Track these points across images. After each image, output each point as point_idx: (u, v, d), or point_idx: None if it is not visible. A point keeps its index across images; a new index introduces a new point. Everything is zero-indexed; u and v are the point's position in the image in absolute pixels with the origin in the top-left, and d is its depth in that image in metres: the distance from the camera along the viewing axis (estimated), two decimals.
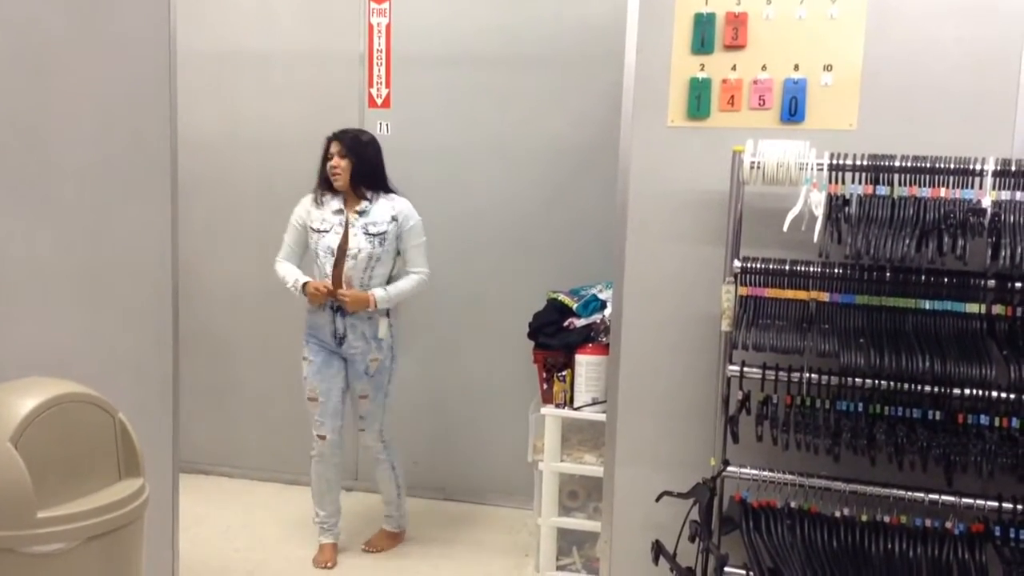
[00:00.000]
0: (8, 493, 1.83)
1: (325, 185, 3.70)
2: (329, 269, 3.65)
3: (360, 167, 3.67)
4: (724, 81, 2.85)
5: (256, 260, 4.61)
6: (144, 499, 2.12)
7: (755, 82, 2.83)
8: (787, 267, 2.63)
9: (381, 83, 4.40)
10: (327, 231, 3.66)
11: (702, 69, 2.86)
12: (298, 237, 3.75)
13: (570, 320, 3.74)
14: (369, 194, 3.67)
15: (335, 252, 3.63)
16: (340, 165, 3.64)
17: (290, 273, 3.72)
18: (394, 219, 3.66)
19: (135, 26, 2.73)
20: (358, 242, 3.62)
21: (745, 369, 2.64)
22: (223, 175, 4.60)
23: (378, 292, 3.64)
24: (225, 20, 4.55)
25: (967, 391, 2.45)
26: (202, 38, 4.44)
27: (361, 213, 3.65)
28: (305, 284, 3.64)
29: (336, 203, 3.68)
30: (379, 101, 4.40)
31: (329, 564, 3.78)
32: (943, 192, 2.51)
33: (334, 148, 3.67)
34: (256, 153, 4.56)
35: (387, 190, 3.73)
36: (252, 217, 4.61)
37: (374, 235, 3.63)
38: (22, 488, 1.83)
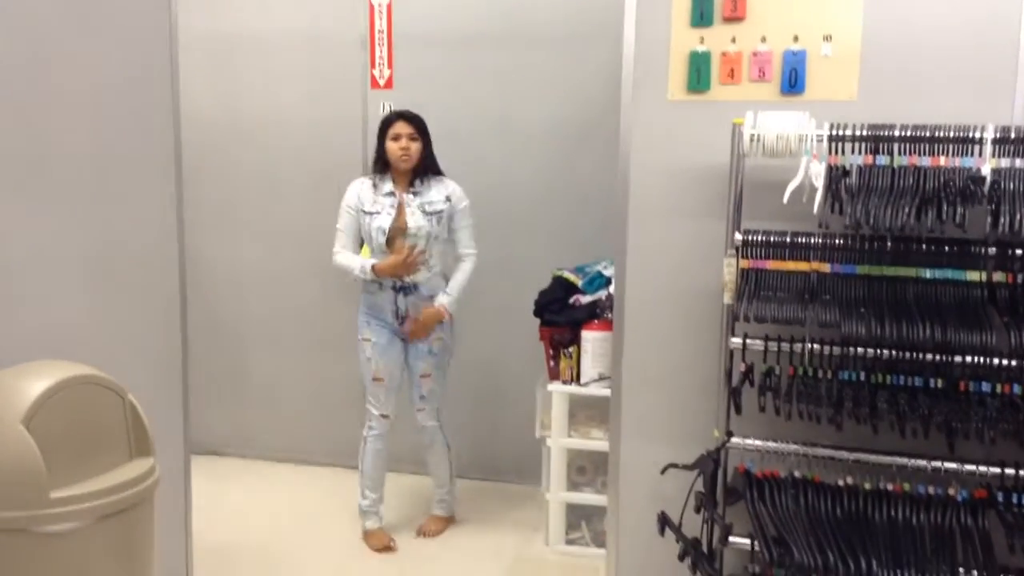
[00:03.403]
0: (21, 474, 1.87)
1: (381, 166, 3.70)
2: (381, 251, 3.70)
3: (428, 149, 3.71)
4: (724, 54, 2.84)
5: (261, 243, 4.65)
6: (155, 479, 2.16)
7: (755, 54, 2.82)
8: (788, 239, 2.63)
9: (383, 64, 4.40)
10: (378, 212, 3.65)
11: (702, 42, 2.86)
12: (351, 223, 3.69)
13: (575, 297, 3.77)
14: (423, 175, 3.70)
15: (387, 232, 3.63)
16: (412, 147, 3.65)
17: (353, 260, 3.64)
18: (448, 199, 3.67)
19: (136, 9, 2.74)
20: (416, 220, 3.62)
21: (747, 341, 2.66)
22: (227, 159, 4.63)
23: (443, 299, 3.68)
24: (226, 2, 4.55)
25: (968, 359, 2.47)
26: (203, 21, 4.44)
27: (416, 193, 3.67)
28: (373, 266, 3.60)
29: (387, 185, 3.69)
30: (381, 82, 4.41)
31: (392, 545, 3.79)
32: (943, 161, 2.51)
33: (403, 129, 3.65)
34: (259, 136, 4.58)
35: (438, 172, 3.75)
36: (256, 201, 4.63)
37: (431, 214, 3.64)
38: (35, 469, 1.87)
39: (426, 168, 3.69)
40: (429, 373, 3.76)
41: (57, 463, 1.91)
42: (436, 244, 3.67)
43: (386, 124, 3.68)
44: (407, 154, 3.63)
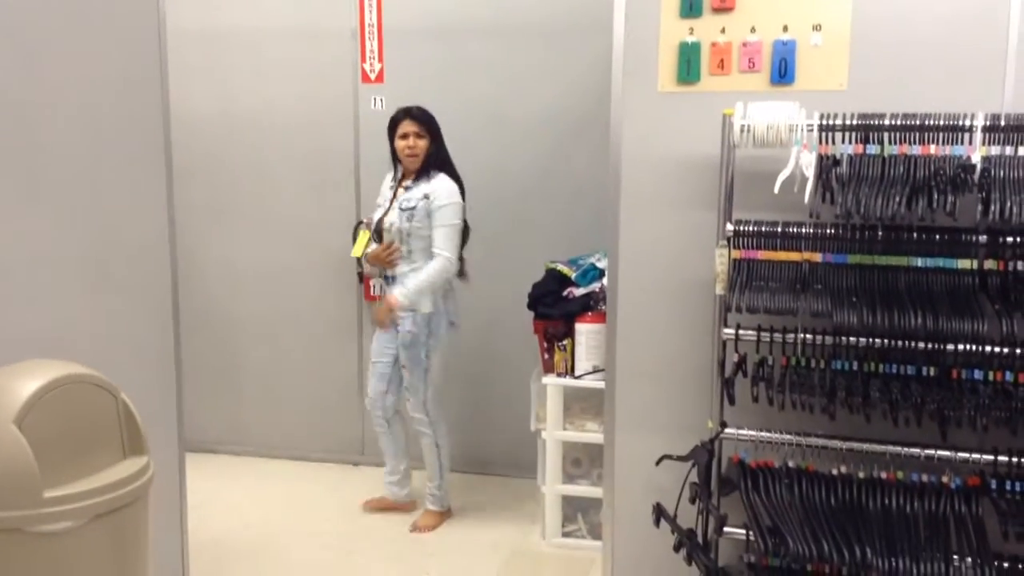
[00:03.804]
0: (14, 474, 1.86)
1: (395, 162, 3.83)
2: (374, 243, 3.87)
3: (437, 148, 3.76)
4: (713, 44, 2.84)
5: (255, 238, 4.64)
6: (149, 477, 2.15)
7: (744, 44, 2.82)
8: (779, 229, 2.64)
9: (374, 58, 4.39)
10: (380, 205, 3.86)
11: (691, 33, 2.85)
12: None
13: (569, 289, 3.77)
14: (427, 172, 3.75)
15: (373, 225, 3.83)
16: (419, 145, 3.71)
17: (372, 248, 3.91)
18: (426, 196, 3.70)
19: (124, 5, 2.72)
20: (391, 217, 3.75)
21: (740, 331, 2.66)
22: (218, 155, 4.61)
23: (396, 291, 3.73)
24: None
25: (960, 346, 2.47)
26: (192, 16, 4.42)
27: (407, 189, 3.76)
28: (367, 255, 3.90)
29: (395, 180, 3.84)
30: (372, 76, 4.40)
31: (370, 505, 4.09)
32: (933, 149, 2.50)
33: (410, 127, 3.72)
34: (251, 132, 4.57)
35: (442, 168, 3.78)
36: (249, 196, 4.62)
37: (404, 210, 3.71)
38: (27, 468, 1.87)
39: (429, 165, 3.74)
40: (405, 365, 3.84)
41: (50, 462, 1.91)
42: (416, 240, 3.72)
43: (394, 122, 3.78)
44: (414, 152, 3.72)
